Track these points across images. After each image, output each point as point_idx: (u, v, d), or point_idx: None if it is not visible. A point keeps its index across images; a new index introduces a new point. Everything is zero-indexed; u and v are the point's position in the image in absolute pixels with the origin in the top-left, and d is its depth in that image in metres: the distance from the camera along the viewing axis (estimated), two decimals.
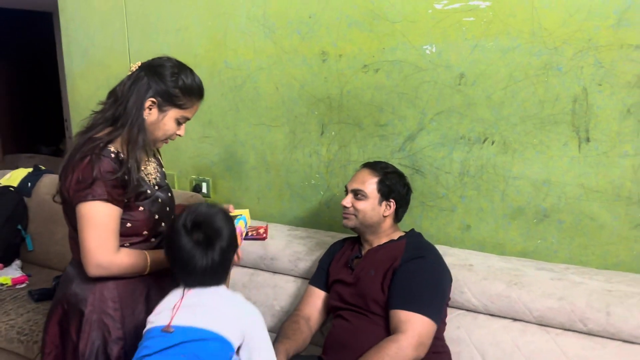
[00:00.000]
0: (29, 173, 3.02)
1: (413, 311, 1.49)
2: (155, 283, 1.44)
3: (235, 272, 2.13)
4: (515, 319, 1.66)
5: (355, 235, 1.85)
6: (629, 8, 1.62)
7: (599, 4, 1.65)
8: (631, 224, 1.72)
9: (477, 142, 1.91)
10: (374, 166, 1.75)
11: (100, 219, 1.29)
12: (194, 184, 2.59)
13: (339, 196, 2.20)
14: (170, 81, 1.39)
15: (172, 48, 2.50)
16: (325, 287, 1.79)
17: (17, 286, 2.57)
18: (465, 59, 1.87)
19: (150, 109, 1.39)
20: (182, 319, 1.19)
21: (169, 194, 1.55)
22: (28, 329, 2.18)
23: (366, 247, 1.74)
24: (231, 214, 1.68)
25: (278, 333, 1.75)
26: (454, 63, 1.89)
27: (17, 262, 2.77)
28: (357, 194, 1.70)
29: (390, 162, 2.03)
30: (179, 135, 1.48)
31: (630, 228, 1.72)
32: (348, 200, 1.71)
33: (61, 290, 1.42)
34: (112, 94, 1.43)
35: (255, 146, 2.38)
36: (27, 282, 2.60)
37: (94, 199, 1.29)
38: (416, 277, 1.56)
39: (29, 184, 2.96)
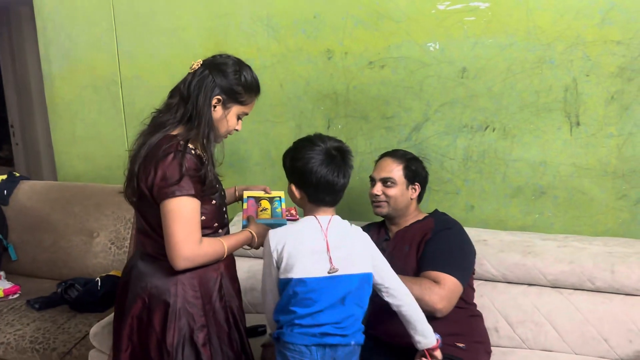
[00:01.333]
0: (3, 180, 2.89)
1: (444, 272, 1.64)
2: (226, 272, 1.50)
3: (254, 264, 2.20)
4: (530, 284, 1.87)
5: (377, 221, 1.99)
6: (612, 9, 1.87)
7: (585, 5, 1.90)
8: (617, 196, 1.99)
9: (479, 130, 2.11)
10: (394, 154, 1.89)
11: (187, 214, 1.34)
12: None
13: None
14: (233, 79, 1.45)
15: (167, 48, 2.52)
16: None
17: (10, 297, 2.47)
18: (466, 55, 2.07)
19: (215, 107, 1.45)
20: (339, 266, 1.34)
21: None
22: (41, 337, 2.12)
23: (394, 230, 1.88)
24: (270, 196, 1.78)
25: None
26: (457, 59, 2.08)
27: (1, 273, 2.66)
28: (387, 182, 1.83)
29: None
30: (237, 130, 1.55)
31: (616, 199, 1.99)
32: (378, 189, 1.84)
33: (137, 285, 1.44)
34: (177, 92, 1.47)
35: (259, 142, 2.45)
36: (19, 292, 2.51)
37: (182, 194, 1.33)
38: (445, 244, 1.73)
39: (5, 191, 2.84)
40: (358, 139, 2.28)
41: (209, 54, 2.22)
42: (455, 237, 1.78)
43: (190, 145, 1.40)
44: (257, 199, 1.80)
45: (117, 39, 2.63)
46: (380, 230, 1.94)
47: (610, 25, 1.89)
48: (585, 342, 1.75)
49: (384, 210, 1.85)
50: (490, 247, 1.93)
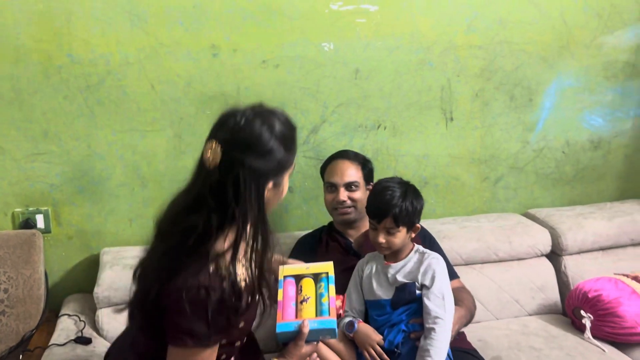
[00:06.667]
0: None
1: (457, 277, 1.75)
2: None
3: None
4: None
5: (320, 227, 1.89)
6: (475, 18, 2.17)
7: (456, 13, 2.15)
8: (481, 178, 2.34)
9: (372, 129, 2.18)
10: (346, 156, 1.82)
11: None
12: (21, 219, 1.92)
13: None
14: (273, 147, 1.07)
15: None
16: None
17: None
18: (359, 56, 2.10)
19: (268, 191, 1.10)
20: None
21: None
22: None
23: (354, 235, 1.79)
24: (313, 271, 1.37)
25: None
26: (350, 60, 2.09)
27: None
28: (351, 186, 1.75)
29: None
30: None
31: (480, 181, 2.34)
32: (344, 195, 1.73)
33: None
34: (202, 200, 1.05)
35: (123, 157, 1.97)
36: None
37: (195, 346, 1.01)
38: (439, 249, 1.78)
39: None
40: None
41: (43, 46, 1.64)
42: (434, 239, 1.85)
43: (239, 273, 1.05)
44: (298, 278, 1.36)
45: None
46: (334, 236, 1.81)
47: (474, 32, 2.19)
48: (502, 307, 2.02)
49: (352, 215, 1.76)
50: None
